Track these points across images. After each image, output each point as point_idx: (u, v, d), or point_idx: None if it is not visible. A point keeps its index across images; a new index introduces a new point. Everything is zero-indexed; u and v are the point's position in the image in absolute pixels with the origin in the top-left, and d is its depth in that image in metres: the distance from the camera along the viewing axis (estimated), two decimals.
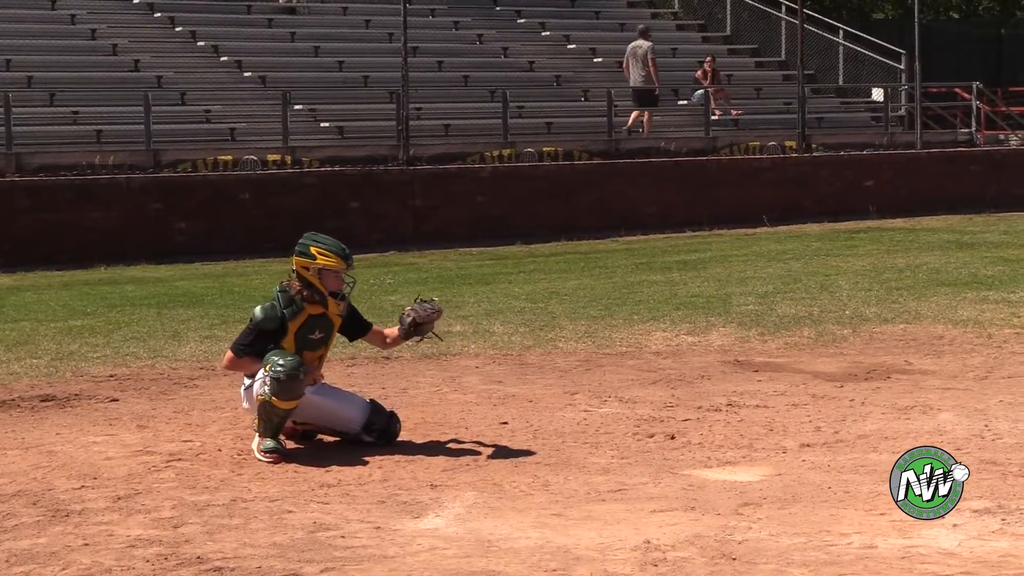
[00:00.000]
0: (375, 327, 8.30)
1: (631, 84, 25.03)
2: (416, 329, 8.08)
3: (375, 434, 7.94)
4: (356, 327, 8.19)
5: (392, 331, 8.25)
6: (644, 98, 24.95)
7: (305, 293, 7.83)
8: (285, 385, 7.59)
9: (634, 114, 24.87)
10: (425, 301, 8.18)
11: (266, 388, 7.62)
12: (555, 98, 25.63)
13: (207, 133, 21.89)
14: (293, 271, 7.92)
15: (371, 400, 8.13)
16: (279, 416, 7.69)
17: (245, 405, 8.01)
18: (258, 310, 7.85)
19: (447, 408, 8.95)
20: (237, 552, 6.02)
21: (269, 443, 7.69)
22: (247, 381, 7.92)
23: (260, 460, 7.65)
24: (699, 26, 30.48)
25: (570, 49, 27.56)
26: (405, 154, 21.55)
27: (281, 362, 7.60)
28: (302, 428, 8.07)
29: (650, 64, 24.65)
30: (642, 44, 24.95)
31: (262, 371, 7.67)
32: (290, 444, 7.93)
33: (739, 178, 23.38)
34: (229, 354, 7.94)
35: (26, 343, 11.73)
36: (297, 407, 7.73)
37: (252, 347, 7.81)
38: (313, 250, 7.85)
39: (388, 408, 8.12)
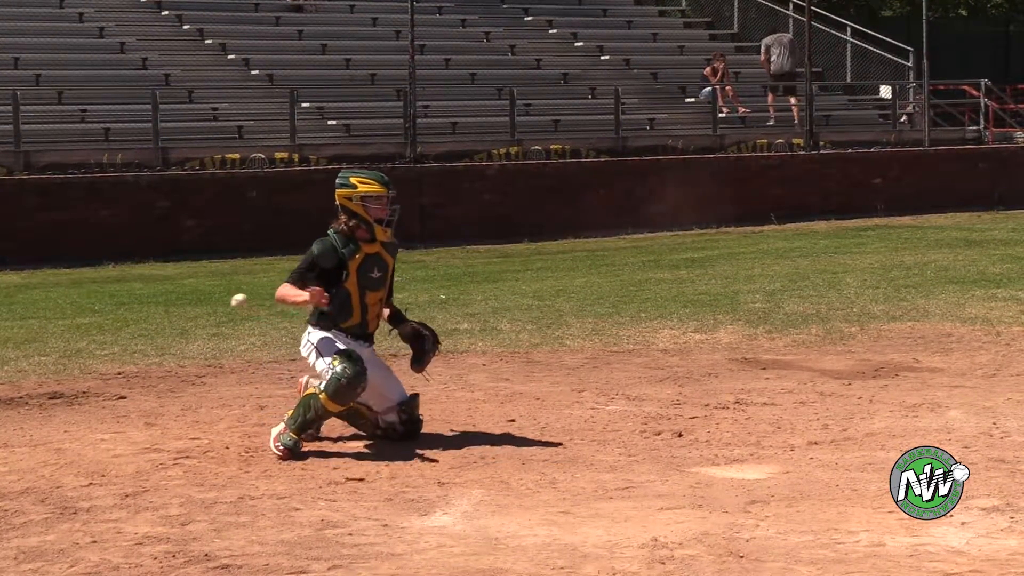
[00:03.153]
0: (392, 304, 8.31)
1: (773, 71, 26.47)
2: (414, 340, 8.09)
3: (404, 416, 7.94)
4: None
5: (390, 312, 8.17)
6: (790, 85, 26.25)
7: (352, 223, 7.87)
8: (343, 390, 7.65)
9: (771, 98, 26.22)
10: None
11: (323, 383, 7.66)
12: (562, 96, 25.59)
13: (215, 131, 21.88)
14: (337, 206, 7.95)
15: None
16: (319, 414, 7.72)
17: (304, 352, 7.95)
18: (316, 244, 7.89)
19: (454, 406, 8.95)
20: (245, 550, 6.02)
21: (290, 439, 7.68)
22: (311, 331, 7.85)
23: (271, 449, 7.65)
24: (706, 24, 30.46)
25: (577, 47, 27.53)
26: (412, 152, 21.54)
27: (348, 367, 7.64)
28: None
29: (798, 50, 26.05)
30: (785, 34, 26.60)
31: (328, 363, 7.69)
32: (306, 446, 7.88)
33: (747, 176, 23.36)
34: (284, 285, 7.81)
35: (34, 341, 11.74)
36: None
37: (306, 275, 7.80)
38: (353, 180, 7.98)
39: None
